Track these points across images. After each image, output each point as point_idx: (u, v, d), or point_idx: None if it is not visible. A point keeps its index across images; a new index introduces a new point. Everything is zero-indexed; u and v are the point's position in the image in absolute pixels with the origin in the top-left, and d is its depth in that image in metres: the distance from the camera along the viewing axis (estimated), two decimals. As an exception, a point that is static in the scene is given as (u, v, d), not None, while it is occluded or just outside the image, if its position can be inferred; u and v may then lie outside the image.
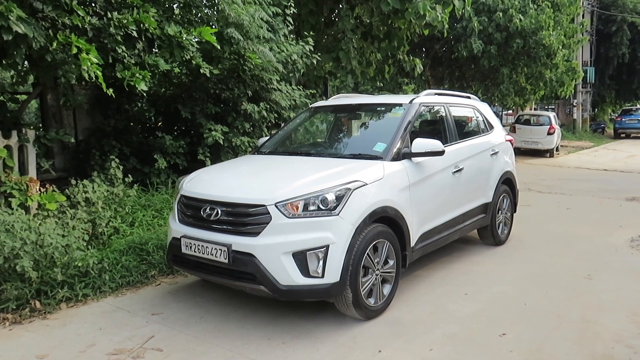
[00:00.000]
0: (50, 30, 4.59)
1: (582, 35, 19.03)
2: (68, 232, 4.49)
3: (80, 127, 6.72)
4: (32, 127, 5.68)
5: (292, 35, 8.36)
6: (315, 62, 8.06)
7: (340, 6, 9.87)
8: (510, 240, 5.98)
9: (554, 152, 17.42)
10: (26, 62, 5.39)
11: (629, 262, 5.20)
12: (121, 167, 5.81)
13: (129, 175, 5.90)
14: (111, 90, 4.85)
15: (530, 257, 5.36)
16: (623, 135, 27.03)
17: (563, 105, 28.16)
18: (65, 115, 6.54)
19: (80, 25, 4.70)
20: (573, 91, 19.28)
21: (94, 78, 4.53)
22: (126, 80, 4.94)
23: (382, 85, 19.25)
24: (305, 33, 8.06)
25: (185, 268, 3.98)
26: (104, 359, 3.25)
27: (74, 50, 4.35)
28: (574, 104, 26.59)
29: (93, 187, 5.30)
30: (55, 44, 4.40)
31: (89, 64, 4.42)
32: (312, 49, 7.84)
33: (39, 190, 4.94)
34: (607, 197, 9.08)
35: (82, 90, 6.41)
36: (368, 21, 10.13)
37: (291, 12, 7.90)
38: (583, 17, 22.13)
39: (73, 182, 5.34)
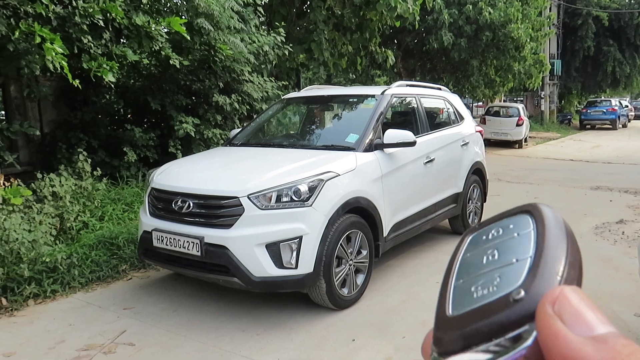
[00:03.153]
0: (12, 19, 4.44)
1: (549, 28, 19.42)
2: (34, 227, 4.38)
3: (45, 119, 6.55)
4: (-6, 120, 5.52)
5: (263, 26, 8.28)
6: (287, 53, 8.02)
7: (312, -3, 9.82)
8: (481, 229, 6.08)
9: (523, 143, 17.78)
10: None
11: (593, 248, 5.37)
12: (89, 160, 5.69)
13: (98, 168, 5.78)
14: (77, 81, 4.72)
15: (500, 245, 5.47)
16: (588, 126, 27.78)
17: (531, 97, 28.73)
18: (29, 107, 6.36)
19: (43, 14, 4.56)
20: (541, 83, 19.68)
21: (59, 69, 4.40)
22: (93, 71, 4.82)
23: (354, 77, 19.29)
24: (277, 24, 8.00)
25: (157, 262, 3.94)
26: (74, 355, 3.19)
27: (38, 40, 4.22)
28: (542, 95, 27.13)
29: (60, 181, 5.17)
30: (17, 33, 4.26)
31: (54, 54, 4.29)
32: (284, 40, 7.79)
33: (3, 184, 4.78)
34: (572, 187, 9.33)
35: (46, 82, 6.24)
36: (340, 13, 10.11)
37: (262, 2, 7.82)
38: (550, 10, 22.57)
39: (39, 175, 5.20)
